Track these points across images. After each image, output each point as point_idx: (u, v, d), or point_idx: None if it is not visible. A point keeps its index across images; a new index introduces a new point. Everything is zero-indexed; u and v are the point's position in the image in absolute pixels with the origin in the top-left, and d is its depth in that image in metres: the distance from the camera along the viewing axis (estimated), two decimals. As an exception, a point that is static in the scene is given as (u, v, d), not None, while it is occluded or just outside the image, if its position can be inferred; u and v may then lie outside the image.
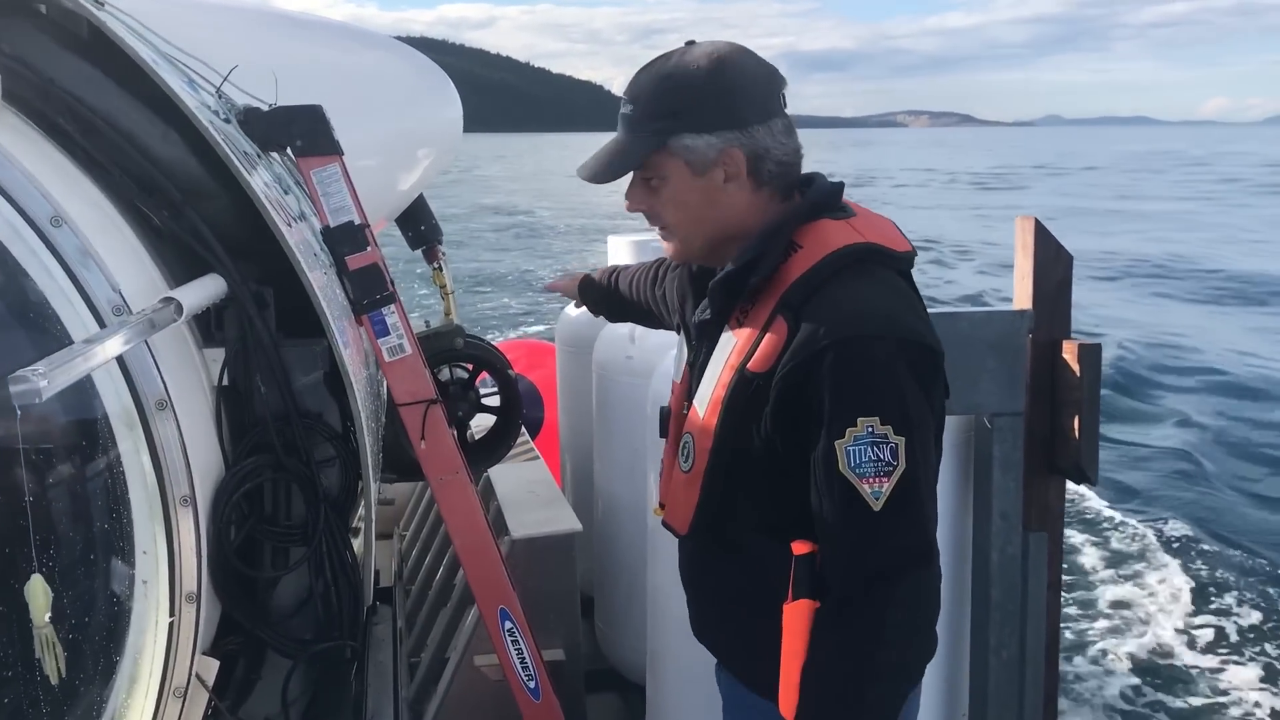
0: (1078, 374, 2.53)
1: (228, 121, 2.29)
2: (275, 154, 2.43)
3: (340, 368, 1.92)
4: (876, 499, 1.52)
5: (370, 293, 2.39)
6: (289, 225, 2.04)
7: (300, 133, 2.37)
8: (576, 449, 4.32)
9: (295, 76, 3.23)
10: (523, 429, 4.52)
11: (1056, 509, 2.67)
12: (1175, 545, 8.62)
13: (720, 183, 1.71)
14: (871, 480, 1.52)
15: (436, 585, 3.89)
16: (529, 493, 3.61)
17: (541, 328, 16.44)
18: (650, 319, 2.54)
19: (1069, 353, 2.58)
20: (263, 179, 2.16)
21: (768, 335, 1.64)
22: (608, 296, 2.69)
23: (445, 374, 3.48)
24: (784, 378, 1.60)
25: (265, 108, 2.44)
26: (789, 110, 1.75)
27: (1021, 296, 2.63)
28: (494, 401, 3.47)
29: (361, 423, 1.95)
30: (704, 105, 1.68)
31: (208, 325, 1.93)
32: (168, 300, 1.55)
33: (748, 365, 1.66)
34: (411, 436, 2.46)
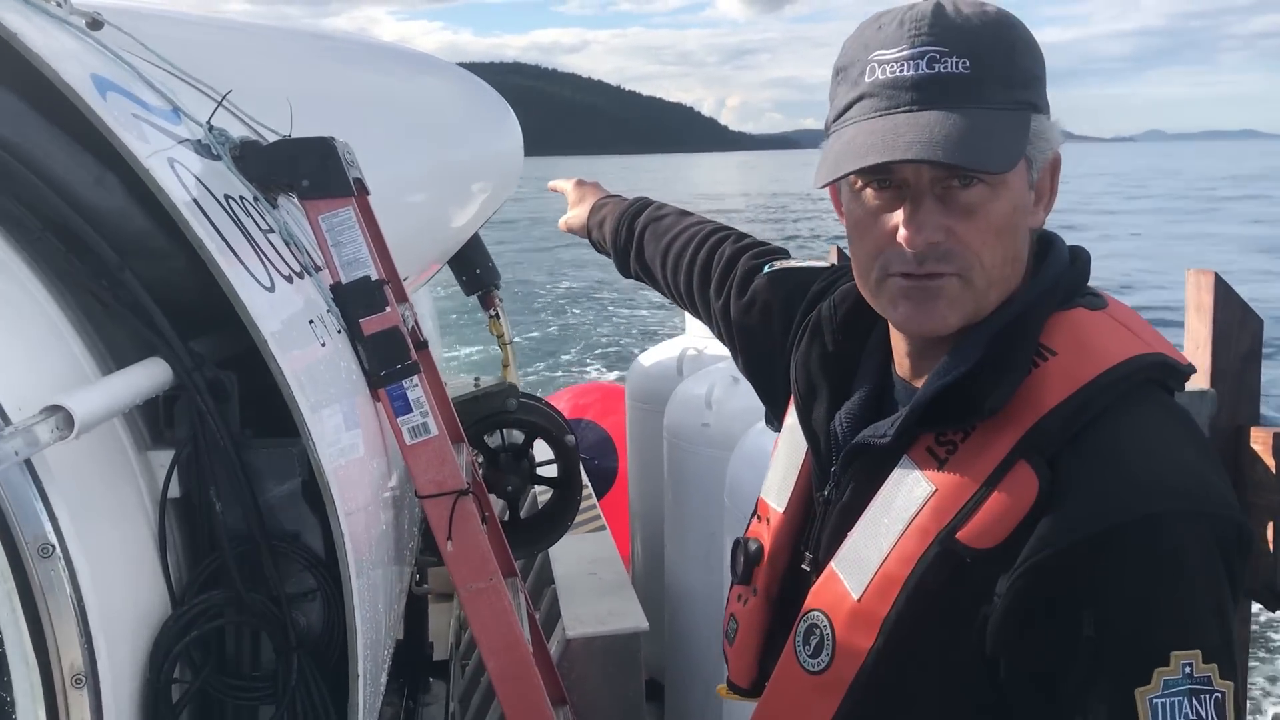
0: (1272, 470, 1.99)
1: (216, 158, 1.90)
2: (285, 195, 2.05)
3: (318, 474, 1.48)
4: None
5: (389, 362, 1.98)
6: (267, 287, 1.62)
7: (307, 171, 1.97)
8: (647, 519, 3.87)
9: (331, 103, 2.85)
10: (589, 488, 4.09)
11: (1242, 640, 2.13)
12: None
13: (1024, 205, 1.17)
14: None
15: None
16: (590, 574, 3.17)
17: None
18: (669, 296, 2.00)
19: (1260, 443, 2.04)
20: (249, 228, 1.75)
21: (1004, 488, 1.09)
22: (623, 250, 2.10)
23: (497, 438, 3.07)
24: (1034, 569, 1.06)
25: (268, 140, 2.06)
26: None
27: (1197, 371, 2.09)
28: (551, 472, 3.04)
29: (345, 545, 1.50)
30: (1038, 81, 1.19)
31: (159, 421, 1.51)
32: (52, 409, 1.13)
33: (958, 533, 1.11)
34: (436, 534, 2.03)
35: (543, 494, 3.28)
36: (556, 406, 6.01)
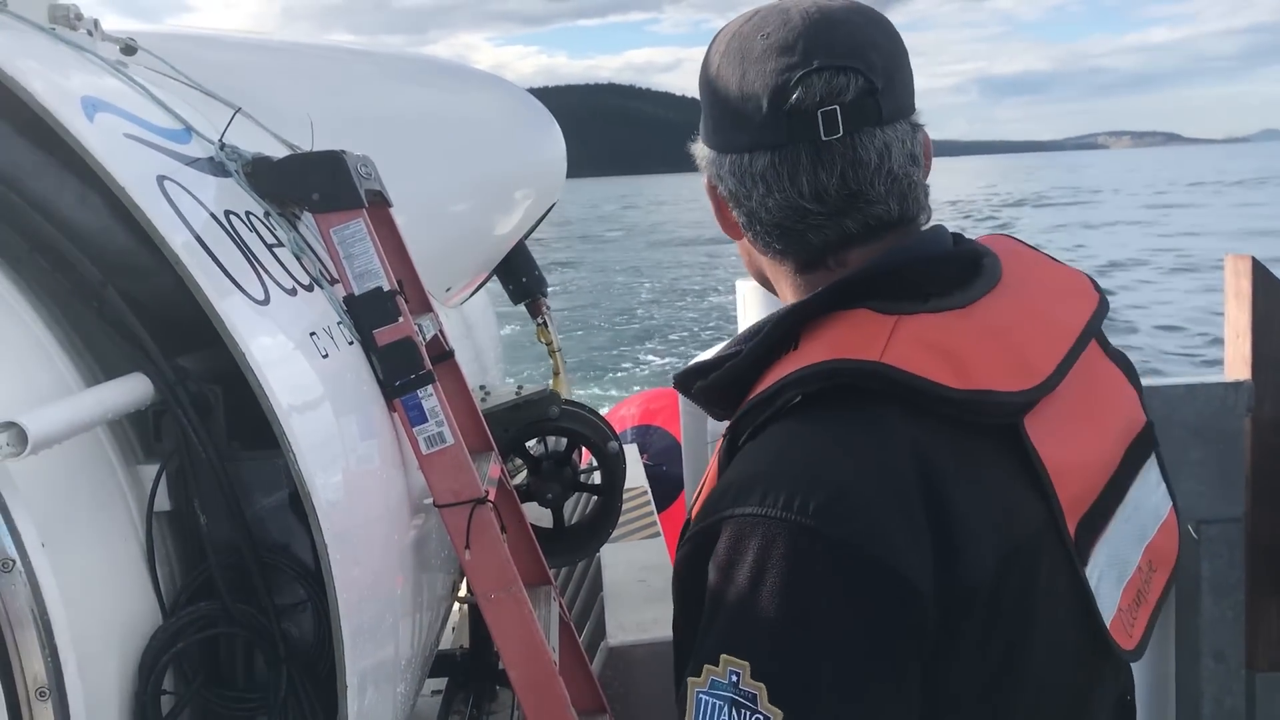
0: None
1: (228, 175, 1.93)
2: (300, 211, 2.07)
3: (299, 485, 1.49)
4: None
5: (402, 372, 1.99)
6: (259, 301, 1.63)
7: (317, 184, 1.99)
8: (703, 525, 3.81)
9: (368, 119, 2.89)
10: (648, 494, 4.06)
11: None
12: None
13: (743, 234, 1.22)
14: None
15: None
16: (639, 581, 3.13)
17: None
18: None
19: None
20: (249, 244, 1.77)
21: (708, 475, 1.14)
22: None
23: (541, 446, 3.06)
24: (681, 548, 1.06)
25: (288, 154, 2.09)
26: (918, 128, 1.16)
27: (1236, 362, 1.96)
28: (595, 480, 3.01)
29: (328, 555, 1.50)
30: (707, 105, 1.19)
31: (149, 435, 1.54)
32: (5, 426, 1.15)
33: (693, 512, 1.12)
34: (455, 543, 2.04)
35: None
36: (626, 412, 6.00)
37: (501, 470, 2.51)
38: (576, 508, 3.73)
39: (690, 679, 0.96)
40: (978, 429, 1.02)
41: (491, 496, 2.07)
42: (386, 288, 1.98)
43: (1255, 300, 1.91)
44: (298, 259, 1.95)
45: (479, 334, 3.87)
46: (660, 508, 4.23)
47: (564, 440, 3.04)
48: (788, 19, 1.11)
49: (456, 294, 3.28)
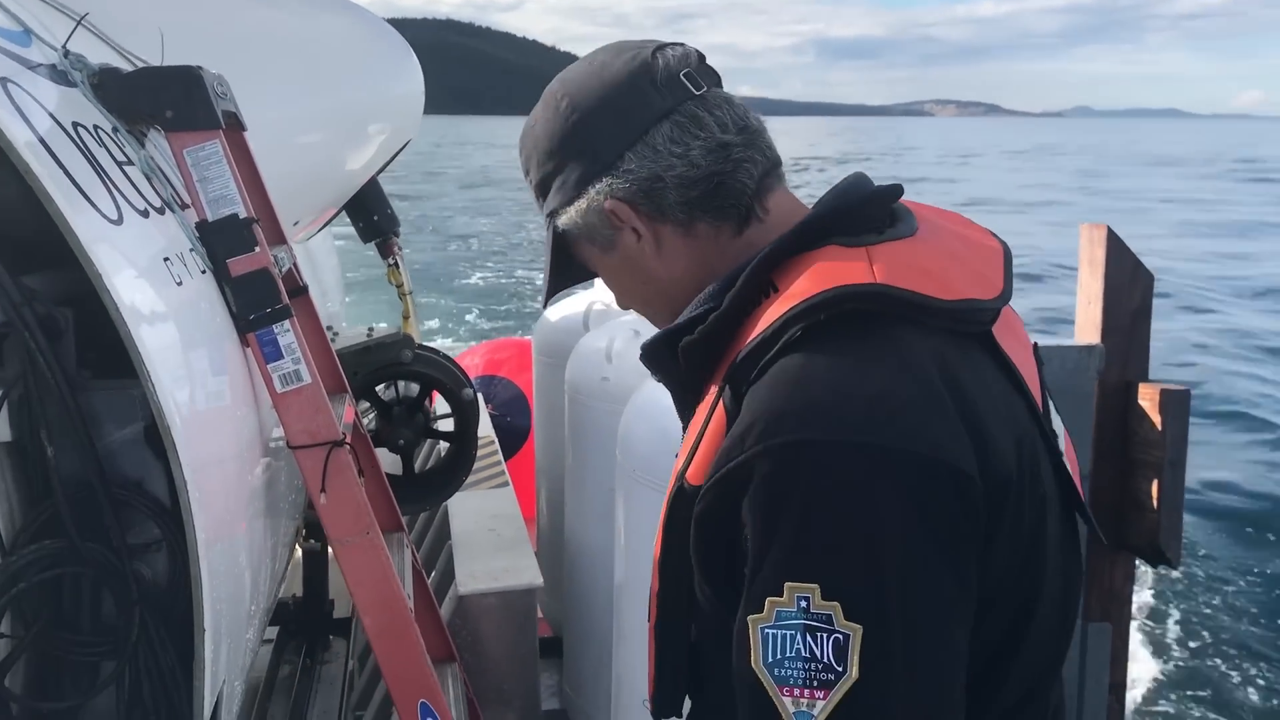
0: (1159, 427, 1.98)
1: (72, 85, 1.79)
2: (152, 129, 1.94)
3: (158, 418, 1.39)
4: None
5: (257, 305, 1.89)
6: (113, 220, 1.52)
7: (170, 101, 1.87)
8: (552, 475, 3.80)
9: (215, 37, 2.72)
10: (495, 443, 4.02)
11: (1124, 595, 2.11)
12: (1270, 646, 7.05)
13: (634, 247, 1.23)
14: (799, 693, 0.93)
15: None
16: (489, 530, 3.10)
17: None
18: None
19: (1147, 399, 2.01)
20: (100, 159, 1.64)
21: (710, 425, 1.10)
22: None
23: (392, 391, 2.98)
24: (705, 499, 1.05)
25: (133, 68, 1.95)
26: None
27: (1086, 326, 2.06)
28: (448, 426, 2.95)
29: (189, 491, 1.41)
30: (556, 164, 1.24)
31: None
32: None
33: (687, 473, 1.10)
34: (309, 486, 1.96)
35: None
36: (469, 362, 5.91)
37: (356, 414, 2.43)
38: (420, 455, 3.65)
39: (751, 616, 0.95)
40: (964, 337, 1.08)
41: (348, 440, 2.01)
42: (243, 215, 1.87)
43: (1108, 269, 2.00)
44: (148, 180, 1.82)
45: (324, 274, 3.74)
46: (505, 457, 4.19)
47: (414, 386, 2.97)
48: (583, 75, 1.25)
49: (303, 229, 3.14)
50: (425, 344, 3.01)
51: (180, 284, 1.66)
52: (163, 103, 1.85)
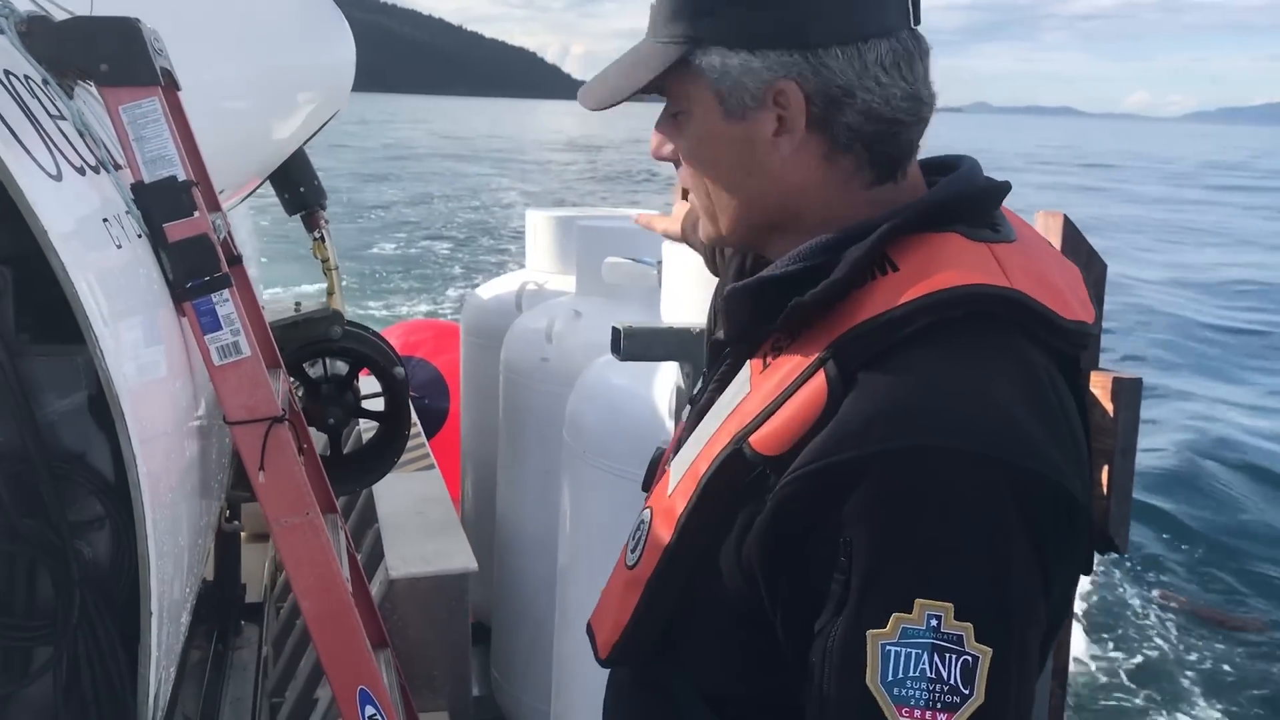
0: (1110, 414, 2.01)
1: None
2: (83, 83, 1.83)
3: (106, 388, 1.30)
4: None
5: (196, 273, 1.79)
6: (53, 176, 1.42)
7: (106, 53, 1.75)
8: (480, 458, 3.73)
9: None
10: (418, 426, 3.93)
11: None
12: (1214, 634, 7.03)
13: (768, 135, 1.07)
14: (919, 715, 0.88)
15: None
16: (417, 514, 3.02)
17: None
18: None
19: (1099, 386, 2.04)
20: (34, 111, 1.53)
21: (799, 396, 1.00)
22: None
23: (319, 369, 2.88)
24: (796, 483, 0.96)
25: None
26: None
27: (1090, 332, 2.07)
28: (379, 405, 2.87)
29: (137, 466, 1.33)
30: (750, 5, 1.05)
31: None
32: None
33: (751, 437, 1.01)
34: (248, 464, 1.86)
35: (368, 430, 3.11)
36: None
37: (290, 390, 2.34)
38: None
39: (871, 631, 0.89)
40: (1059, 356, 1.03)
41: (287, 416, 1.92)
42: (182, 177, 1.77)
43: (1064, 256, 2.02)
44: (81, 136, 1.71)
45: (245, 250, 3.60)
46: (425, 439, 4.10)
47: (340, 364, 2.88)
48: None
49: (227, 199, 3.01)
50: (354, 321, 2.92)
51: (120, 247, 1.56)
52: (97, 55, 1.74)
